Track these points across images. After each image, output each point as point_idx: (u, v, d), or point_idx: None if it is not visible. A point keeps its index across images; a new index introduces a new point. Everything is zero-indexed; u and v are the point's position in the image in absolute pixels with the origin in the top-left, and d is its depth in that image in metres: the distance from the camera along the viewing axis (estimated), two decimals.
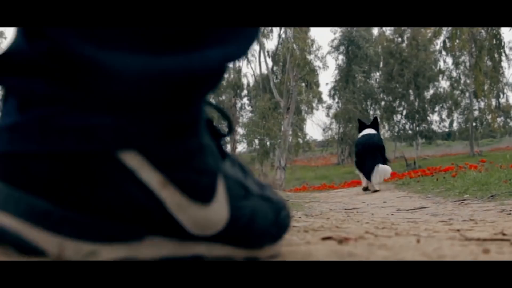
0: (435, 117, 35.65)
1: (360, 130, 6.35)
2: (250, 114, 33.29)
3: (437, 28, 29.70)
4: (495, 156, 17.11)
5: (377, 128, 6.29)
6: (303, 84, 26.35)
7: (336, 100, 33.32)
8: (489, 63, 25.93)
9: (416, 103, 33.71)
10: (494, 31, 24.16)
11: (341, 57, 33.89)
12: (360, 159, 6.09)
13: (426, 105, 34.17)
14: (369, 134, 6.09)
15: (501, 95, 31.65)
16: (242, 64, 36.70)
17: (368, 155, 5.83)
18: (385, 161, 5.99)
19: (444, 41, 31.93)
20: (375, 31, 35.25)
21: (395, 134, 35.32)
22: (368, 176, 5.88)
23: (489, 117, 27.95)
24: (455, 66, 33.32)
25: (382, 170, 5.74)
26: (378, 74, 35.98)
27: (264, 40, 27.98)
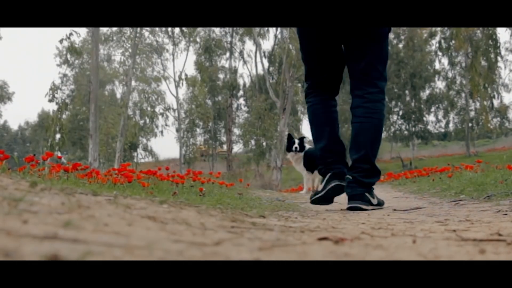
0: (431, 118, 35.75)
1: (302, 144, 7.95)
2: (246, 115, 33.31)
3: (433, 28, 29.77)
4: (491, 157, 17.14)
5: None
6: (299, 85, 26.39)
7: None
8: (484, 63, 25.98)
9: (412, 104, 33.78)
10: (490, 32, 24.22)
11: None
12: None
13: (422, 106, 34.25)
14: None
15: (497, 96, 31.78)
16: (238, 64, 36.71)
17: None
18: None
19: (439, 42, 32.02)
20: None
21: (391, 134, 35.39)
22: None
23: (483, 117, 27.99)
24: (451, 66, 33.42)
25: None
26: None
27: (260, 41, 28.02)
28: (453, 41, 25.34)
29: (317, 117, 3.22)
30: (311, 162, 7.76)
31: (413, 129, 34.17)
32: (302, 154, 7.79)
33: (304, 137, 8.19)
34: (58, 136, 16.00)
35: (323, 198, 3.20)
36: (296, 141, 7.86)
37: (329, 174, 3.17)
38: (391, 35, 34.28)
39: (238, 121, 33.22)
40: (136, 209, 1.26)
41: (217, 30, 30.84)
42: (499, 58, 27.25)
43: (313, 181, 8.11)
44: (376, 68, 3.04)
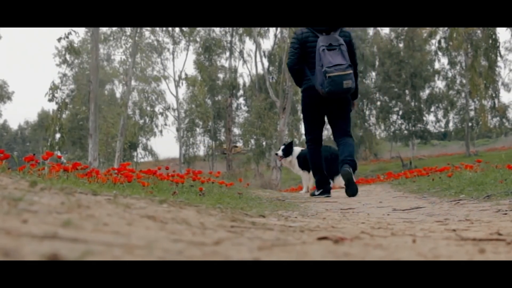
0: (431, 117, 35.77)
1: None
2: (246, 114, 33.30)
3: (433, 28, 29.74)
4: (491, 156, 17.14)
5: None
6: None
7: None
8: (484, 63, 25.94)
9: (412, 103, 33.79)
10: (490, 31, 24.19)
11: None
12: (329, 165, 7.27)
13: (422, 105, 34.26)
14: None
15: (496, 95, 31.76)
16: (238, 64, 36.68)
17: (334, 162, 7.06)
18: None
19: (439, 41, 32.01)
20: (371, 31, 35.31)
21: (391, 134, 35.38)
22: (333, 178, 7.57)
23: (481, 117, 27.94)
24: (451, 66, 33.44)
25: None
26: (374, 74, 36.10)
27: (260, 40, 28.00)
28: (453, 41, 25.29)
29: (315, 159, 5.55)
30: (307, 162, 7.92)
31: (413, 128, 34.18)
32: (290, 158, 8.02)
33: (292, 141, 8.47)
34: (58, 135, 15.99)
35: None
36: (282, 147, 8.16)
37: (321, 190, 5.46)
38: (392, 35, 34.32)
39: (238, 121, 33.22)
40: (135, 208, 1.26)
41: (217, 29, 30.81)
42: (499, 58, 27.21)
43: (310, 180, 8.24)
44: (349, 128, 5.40)
